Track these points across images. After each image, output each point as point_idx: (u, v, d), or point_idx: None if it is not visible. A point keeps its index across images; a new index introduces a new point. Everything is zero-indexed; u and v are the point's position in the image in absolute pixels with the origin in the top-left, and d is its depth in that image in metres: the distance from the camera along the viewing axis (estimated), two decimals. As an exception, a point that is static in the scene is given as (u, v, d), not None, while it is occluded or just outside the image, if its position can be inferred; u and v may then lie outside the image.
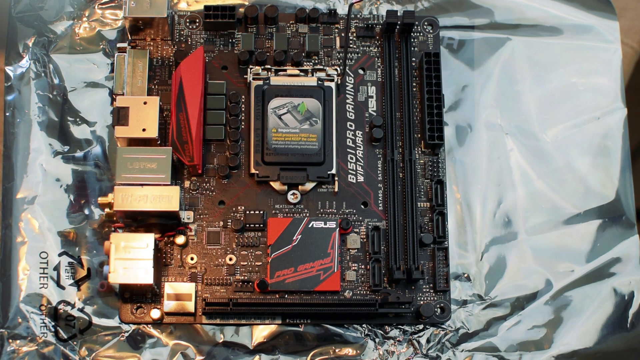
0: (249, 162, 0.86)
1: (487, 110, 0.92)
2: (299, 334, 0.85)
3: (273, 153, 0.86)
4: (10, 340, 0.83)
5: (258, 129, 0.86)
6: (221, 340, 0.84)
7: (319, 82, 0.88)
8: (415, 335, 0.86)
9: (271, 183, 0.86)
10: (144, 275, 0.79)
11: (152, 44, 0.89)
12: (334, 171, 0.86)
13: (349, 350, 0.85)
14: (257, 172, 0.86)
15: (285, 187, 0.86)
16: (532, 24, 0.94)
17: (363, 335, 0.85)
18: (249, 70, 0.88)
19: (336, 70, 0.89)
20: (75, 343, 0.83)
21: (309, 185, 0.86)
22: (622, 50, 0.95)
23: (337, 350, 0.85)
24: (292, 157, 0.86)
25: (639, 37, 1.01)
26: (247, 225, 0.85)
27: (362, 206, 0.87)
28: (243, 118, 0.88)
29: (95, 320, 0.84)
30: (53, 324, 0.83)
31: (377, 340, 0.85)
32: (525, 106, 0.92)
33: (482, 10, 0.94)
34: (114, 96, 0.86)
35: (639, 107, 1.01)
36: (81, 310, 0.84)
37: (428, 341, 0.86)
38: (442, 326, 0.86)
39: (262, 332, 0.85)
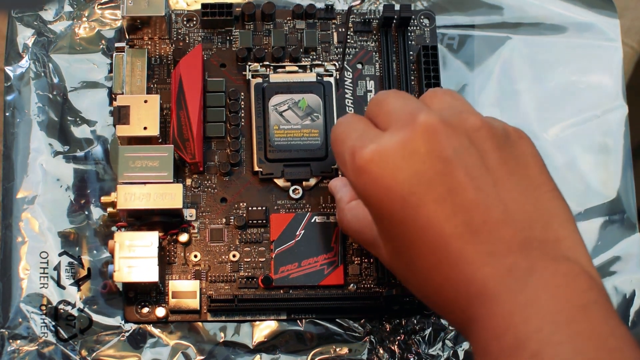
0: (251, 159, 0.86)
1: (487, 109, 0.92)
2: (299, 333, 0.85)
3: (276, 150, 0.86)
4: (11, 340, 0.82)
5: (260, 127, 0.86)
6: (222, 340, 0.84)
7: (318, 77, 0.88)
8: (416, 335, 0.85)
9: (275, 180, 0.86)
10: (149, 273, 0.79)
11: (150, 42, 0.89)
12: (336, 165, 0.86)
13: (349, 350, 0.85)
14: (261, 169, 0.86)
15: (290, 184, 0.86)
16: (533, 22, 0.94)
17: (364, 335, 0.85)
18: (247, 67, 0.89)
19: (334, 65, 0.89)
20: (75, 343, 0.83)
21: (313, 181, 0.86)
22: (623, 50, 0.95)
23: (337, 350, 0.85)
24: (295, 153, 0.86)
25: (639, 37, 1.02)
26: (250, 222, 0.85)
27: (365, 200, 0.87)
28: (243, 115, 0.88)
29: (96, 320, 0.83)
30: (53, 324, 0.83)
31: (377, 339, 0.85)
32: (525, 105, 0.93)
33: (482, 8, 0.95)
34: (113, 96, 0.86)
35: (640, 105, 1.01)
36: (81, 310, 0.83)
37: (428, 340, 0.85)
38: (443, 324, 0.86)
39: (262, 331, 0.84)
